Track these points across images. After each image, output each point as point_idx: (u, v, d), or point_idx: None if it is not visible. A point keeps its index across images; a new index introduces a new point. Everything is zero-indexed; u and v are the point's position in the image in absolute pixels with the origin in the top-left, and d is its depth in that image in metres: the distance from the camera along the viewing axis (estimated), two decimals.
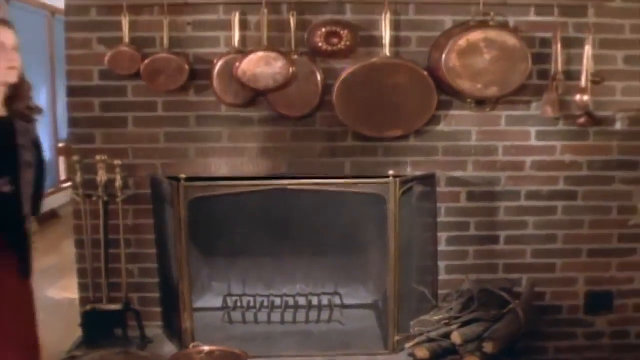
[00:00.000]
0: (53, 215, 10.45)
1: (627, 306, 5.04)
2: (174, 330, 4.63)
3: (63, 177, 11.68)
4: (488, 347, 4.10)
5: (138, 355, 4.43)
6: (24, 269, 3.37)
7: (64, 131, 11.58)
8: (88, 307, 4.62)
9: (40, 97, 10.86)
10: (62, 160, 11.72)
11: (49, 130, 11.22)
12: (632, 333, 5.06)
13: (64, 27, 4.75)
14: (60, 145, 11.55)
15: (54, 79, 11.28)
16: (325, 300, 5.02)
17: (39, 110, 3.45)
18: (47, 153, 11.05)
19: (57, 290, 6.72)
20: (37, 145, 3.44)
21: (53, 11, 11.33)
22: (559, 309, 5.02)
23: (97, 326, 4.58)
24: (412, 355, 4.32)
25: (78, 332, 4.85)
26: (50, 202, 10.41)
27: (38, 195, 3.50)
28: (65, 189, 11.39)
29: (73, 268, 6.34)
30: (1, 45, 3.17)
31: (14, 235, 3.26)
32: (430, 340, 4.25)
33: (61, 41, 11.39)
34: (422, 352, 4.21)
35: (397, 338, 4.45)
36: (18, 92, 3.30)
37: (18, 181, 3.22)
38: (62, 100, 11.61)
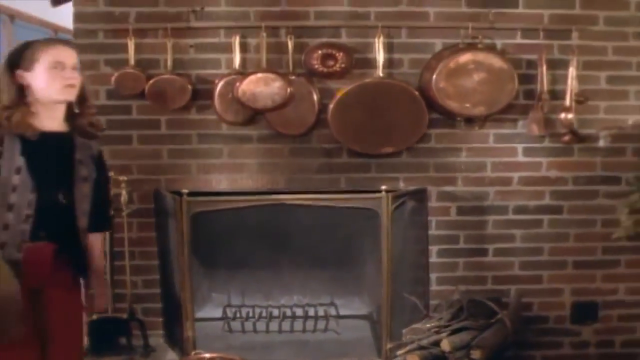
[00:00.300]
0: None
1: (611, 316, 5.11)
2: (176, 339, 4.68)
3: None
4: (476, 355, 4.17)
5: None
6: (79, 280, 3.47)
7: None
8: (94, 317, 4.64)
9: None
10: None
11: None
12: (617, 342, 5.13)
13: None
14: None
15: None
16: (321, 311, 5.06)
17: (99, 127, 3.50)
18: None
19: None
20: (98, 161, 3.48)
21: (55, 29, 11.35)
22: (546, 319, 5.09)
23: (103, 335, 4.61)
24: None
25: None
26: None
27: (102, 210, 3.55)
28: None
29: None
30: (60, 64, 3.21)
31: (69, 247, 3.28)
32: (421, 347, 4.28)
33: None
34: (413, 359, 4.25)
35: (389, 346, 4.51)
36: (80, 109, 3.34)
37: (73, 195, 3.28)
38: None
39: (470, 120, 4.88)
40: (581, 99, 4.81)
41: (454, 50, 4.74)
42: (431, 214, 4.94)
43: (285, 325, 5.02)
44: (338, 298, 5.19)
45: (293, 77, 4.69)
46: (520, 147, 4.96)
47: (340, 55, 4.73)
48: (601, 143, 4.99)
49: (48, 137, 3.24)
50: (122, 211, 4.66)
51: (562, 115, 4.83)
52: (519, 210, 5.01)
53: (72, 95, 3.27)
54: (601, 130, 4.97)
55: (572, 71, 4.78)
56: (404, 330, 4.51)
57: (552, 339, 5.11)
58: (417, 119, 4.78)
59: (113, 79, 4.68)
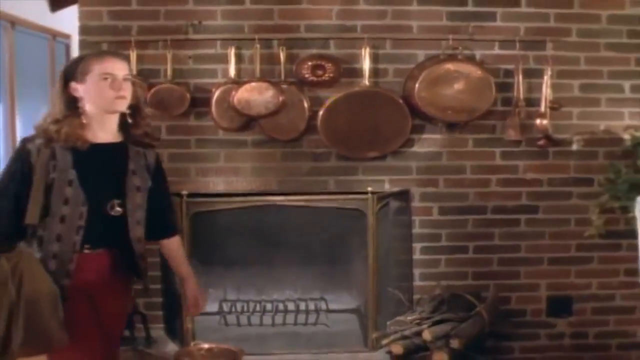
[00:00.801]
0: None
1: (585, 309, 5.23)
2: (176, 331, 4.87)
3: None
4: (454, 344, 4.35)
5: (145, 353, 4.68)
6: (129, 285, 3.48)
7: None
8: None
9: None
10: None
11: None
12: (590, 334, 5.25)
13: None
14: None
15: None
16: (312, 305, 5.22)
17: (155, 137, 3.46)
18: None
19: None
20: (155, 170, 3.42)
21: (54, 34, 11.50)
22: (524, 312, 5.21)
23: None
24: (388, 351, 4.54)
25: None
26: None
27: (166, 216, 3.55)
28: None
29: None
30: (112, 75, 3.16)
31: (123, 255, 3.29)
32: (404, 337, 4.46)
33: (62, 63, 11.60)
34: (397, 348, 4.44)
35: (374, 335, 4.71)
36: (133, 119, 3.29)
37: (125, 205, 3.24)
38: None
39: (451, 126, 5.00)
40: (555, 105, 4.95)
41: (435, 60, 4.87)
42: (414, 214, 5.06)
43: (278, 319, 5.20)
44: (327, 293, 5.35)
45: (285, 86, 4.80)
46: (498, 151, 5.08)
47: (329, 65, 4.85)
48: (574, 147, 5.11)
49: (100, 149, 3.21)
50: None
51: (538, 121, 4.96)
52: (497, 210, 5.12)
53: (122, 106, 3.22)
54: (574, 135, 5.09)
55: (546, 80, 4.92)
56: (388, 322, 4.66)
57: (529, 331, 5.22)
58: (401, 125, 4.90)
59: None
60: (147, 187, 3.34)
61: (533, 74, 5.01)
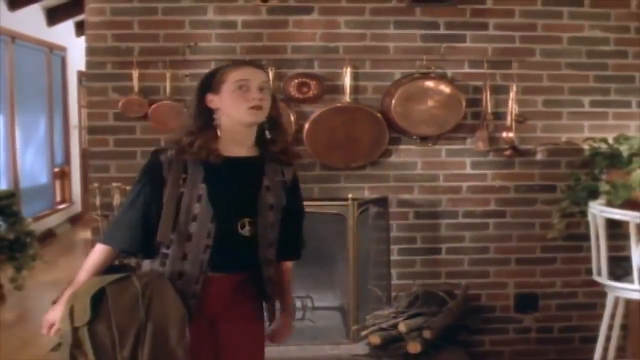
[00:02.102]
0: (50, 234, 10.70)
1: (550, 306, 5.47)
2: None
3: (58, 199, 11.95)
4: (426, 334, 4.61)
5: None
6: (262, 312, 3.18)
7: (59, 157, 11.89)
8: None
9: (39, 127, 11.08)
10: (57, 184, 11.96)
11: (47, 156, 11.48)
12: (555, 328, 5.49)
13: (82, 77, 5.18)
14: (56, 169, 11.82)
15: (51, 110, 11.57)
16: (298, 303, 5.22)
17: (295, 155, 3.21)
18: (45, 177, 11.38)
19: None
20: (292, 188, 3.15)
21: (51, 47, 11.50)
22: (493, 308, 5.43)
23: None
24: (368, 343, 4.75)
25: None
26: (47, 222, 10.60)
27: (293, 239, 3.25)
28: (61, 210, 11.68)
29: (72, 281, 6.95)
30: (245, 85, 2.92)
31: (251, 278, 3.04)
32: (382, 329, 4.68)
33: (58, 75, 11.93)
34: (375, 338, 4.66)
35: (354, 327, 4.87)
36: (272, 134, 3.05)
37: (256, 224, 2.97)
38: (58, 130, 12.07)
39: (424, 138, 5.22)
40: (520, 119, 5.21)
41: (410, 78, 5.11)
42: (392, 218, 5.27)
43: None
44: (313, 292, 5.43)
45: None
46: (468, 160, 5.31)
47: (313, 83, 5.09)
48: (538, 157, 5.36)
49: (233, 163, 2.98)
50: None
51: (504, 134, 5.22)
52: (468, 214, 5.35)
53: (258, 117, 2.96)
54: (538, 146, 5.34)
55: (512, 96, 5.18)
56: (367, 316, 4.88)
57: (498, 326, 5.44)
58: (379, 137, 5.12)
59: (120, 103, 5.03)
60: (281, 205, 3.08)
61: (500, 91, 5.26)
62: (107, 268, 2.97)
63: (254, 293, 3.09)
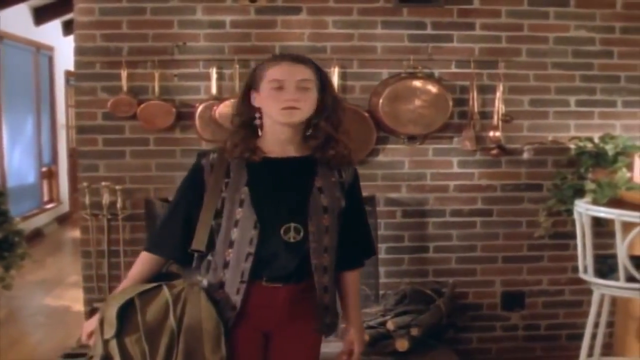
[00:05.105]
0: (37, 233, 10.69)
1: (537, 303, 5.51)
2: None
3: (46, 198, 11.93)
4: (414, 332, 4.62)
5: None
6: (318, 324, 2.90)
7: (47, 156, 11.88)
8: (94, 306, 4.98)
9: (27, 126, 11.07)
10: (45, 183, 11.95)
11: (34, 156, 11.47)
12: (542, 326, 5.53)
13: (69, 77, 5.17)
14: (44, 169, 11.80)
15: (39, 110, 11.55)
16: None
17: (350, 160, 2.93)
18: (32, 177, 11.39)
19: (52, 298, 7.26)
20: (349, 189, 2.90)
21: (38, 47, 11.48)
22: (480, 306, 5.47)
23: None
24: None
25: (75, 331, 5.25)
26: (34, 222, 10.59)
27: (349, 247, 2.93)
28: (48, 209, 11.67)
29: (63, 280, 6.90)
30: (280, 83, 2.71)
31: (302, 289, 2.80)
32: (370, 327, 4.63)
33: (45, 75, 11.91)
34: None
35: (342, 325, 4.88)
36: (330, 140, 2.82)
37: (306, 228, 2.75)
38: (46, 129, 12.05)
39: (412, 138, 5.24)
40: (507, 118, 5.24)
41: (397, 78, 5.14)
42: (380, 217, 5.26)
43: None
44: None
45: None
46: (455, 160, 5.34)
47: None
48: (525, 156, 5.38)
49: (279, 164, 2.79)
50: (118, 216, 5.04)
51: (491, 133, 5.24)
52: (455, 213, 5.38)
53: (292, 119, 2.73)
54: (525, 145, 5.36)
55: (499, 95, 5.21)
56: None
57: (485, 324, 5.49)
58: (367, 137, 5.13)
59: (109, 103, 5.03)
60: (338, 208, 2.84)
61: (486, 90, 5.30)
62: (154, 276, 2.85)
63: (314, 306, 2.84)
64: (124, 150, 5.21)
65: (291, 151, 2.82)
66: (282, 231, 2.73)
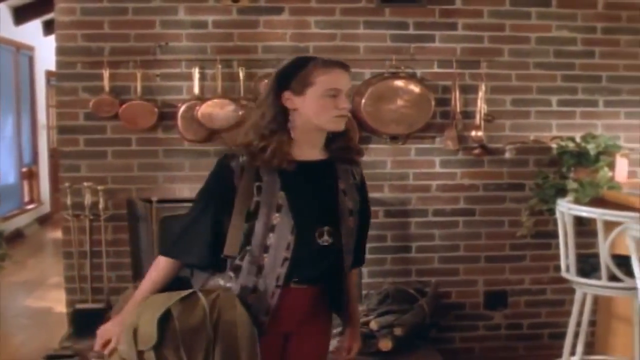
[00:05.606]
0: (18, 234, 10.61)
1: (519, 302, 5.54)
2: None
3: (27, 199, 11.86)
4: (397, 331, 4.61)
5: None
6: (330, 323, 3.02)
7: (27, 157, 11.82)
8: (76, 307, 5.04)
9: (7, 127, 10.99)
10: (26, 184, 11.87)
11: (15, 156, 11.38)
12: (524, 325, 5.56)
13: (50, 77, 5.16)
14: (24, 169, 11.73)
15: (19, 110, 11.50)
16: None
17: (359, 151, 2.96)
18: (12, 177, 11.37)
19: (34, 299, 7.22)
20: (361, 189, 2.93)
21: (18, 47, 11.41)
22: (463, 306, 5.50)
23: (83, 322, 4.91)
24: (339, 340, 4.67)
25: (58, 332, 5.29)
26: (15, 223, 10.50)
27: (361, 247, 3.02)
28: (29, 210, 11.60)
29: (45, 281, 6.87)
30: (337, 91, 2.70)
31: (329, 290, 2.85)
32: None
33: (26, 75, 11.88)
34: None
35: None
36: (341, 135, 2.84)
37: (339, 231, 2.77)
38: (26, 130, 11.99)
39: (394, 137, 5.26)
40: (489, 118, 5.29)
41: (380, 78, 5.16)
42: None
43: None
44: None
45: (244, 102, 5.04)
46: (437, 159, 5.36)
47: None
48: (507, 155, 5.41)
49: (308, 168, 2.76)
50: (100, 216, 5.01)
51: (473, 133, 5.29)
52: (438, 213, 5.40)
53: (341, 126, 2.76)
54: (507, 144, 5.40)
55: (481, 95, 5.25)
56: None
57: (468, 323, 5.52)
58: None
59: (91, 103, 5.02)
60: (358, 210, 2.86)
61: (469, 90, 5.33)
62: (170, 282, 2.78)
63: (327, 305, 2.91)
64: (106, 151, 5.20)
65: (316, 154, 2.81)
66: (316, 235, 2.74)
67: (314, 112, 2.70)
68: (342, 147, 2.84)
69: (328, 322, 3.01)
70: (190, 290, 2.67)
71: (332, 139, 2.82)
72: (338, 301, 2.91)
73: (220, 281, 2.74)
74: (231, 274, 2.73)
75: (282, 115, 2.73)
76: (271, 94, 2.75)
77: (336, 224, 2.77)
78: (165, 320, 2.58)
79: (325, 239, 2.74)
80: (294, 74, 2.73)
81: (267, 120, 2.73)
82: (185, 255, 2.76)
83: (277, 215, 2.69)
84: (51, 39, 5.39)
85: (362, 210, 2.93)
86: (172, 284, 2.76)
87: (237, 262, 2.72)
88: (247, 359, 2.59)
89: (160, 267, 2.79)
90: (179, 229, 2.80)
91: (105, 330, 2.77)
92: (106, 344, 2.73)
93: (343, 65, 2.81)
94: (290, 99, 2.72)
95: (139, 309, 2.66)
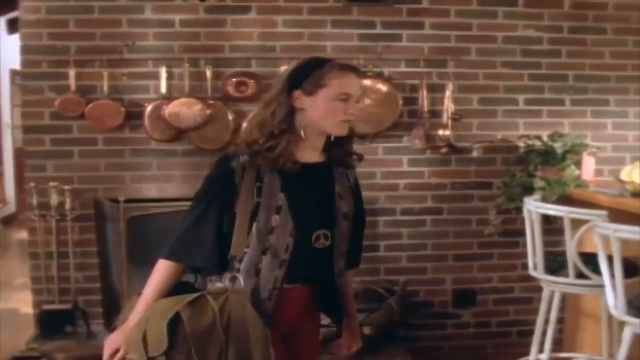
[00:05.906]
0: None
1: (487, 301, 5.58)
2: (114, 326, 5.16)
3: None
4: (366, 330, 4.62)
5: (89, 345, 4.75)
6: (319, 322, 3.06)
7: None
8: (42, 308, 5.02)
9: None
10: None
11: None
12: (493, 323, 5.60)
13: (15, 76, 5.14)
14: None
15: None
16: None
17: (358, 156, 2.95)
18: None
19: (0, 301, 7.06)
20: (355, 191, 2.94)
21: None
22: (431, 304, 5.50)
23: (51, 323, 4.97)
24: None
25: (25, 333, 5.23)
26: None
27: (357, 248, 3.03)
28: None
29: (10, 282, 6.80)
30: (348, 95, 2.70)
31: (323, 291, 2.84)
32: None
33: None
34: None
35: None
36: (343, 140, 2.85)
37: (333, 235, 2.77)
38: None
39: (362, 137, 5.16)
40: (457, 117, 5.30)
41: None
42: None
43: None
44: None
45: (211, 101, 5.06)
46: (405, 158, 5.38)
47: (251, 82, 5.12)
48: (474, 154, 5.45)
49: (308, 170, 2.74)
50: (66, 216, 4.98)
51: (441, 132, 5.31)
52: (405, 212, 5.42)
53: (345, 131, 2.76)
54: (474, 143, 5.43)
55: (448, 94, 5.27)
56: None
57: (437, 321, 5.53)
58: None
59: (57, 102, 5.00)
60: (352, 214, 2.87)
61: (436, 89, 5.34)
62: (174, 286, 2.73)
63: (318, 306, 2.92)
64: (72, 150, 5.17)
65: (316, 157, 2.81)
66: (313, 238, 2.74)
67: (322, 114, 2.70)
68: (344, 152, 2.87)
69: (319, 322, 3.05)
70: (198, 293, 2.62)
71: (334, 143, 2.82)
72: (330, 302, 2.91)
73: (225, 282, 2.71)
74: (236, 274, 2.70)
75: (291, 115, 2.72)
76: (283, 93, 2.72)
77: (332, 227, 2.77)
78: (174, 324, 2.53)
79: (322, 242, 2.75)
80: (308, 73, 2.71)
81: (278, 119, 2.70)
82: (190, 258, 2.73)
83: (276, 217, 2.69)
84: (15, 38, 5.33)
85: (357, 212, 2.93)
86: (176, 288, 2.72)
87: (237, 264, 2.71)
88: (261, 359, 2.56)
89: (163, 271, 2.74)
90: (181, 231, 2.75)
91: (112, 340, 2.71)
92: (114, 354, 2.68)
93: (357, 72, 2.83)
94: (299, 98, 2.71)
95: (147, 315, 2.61)
